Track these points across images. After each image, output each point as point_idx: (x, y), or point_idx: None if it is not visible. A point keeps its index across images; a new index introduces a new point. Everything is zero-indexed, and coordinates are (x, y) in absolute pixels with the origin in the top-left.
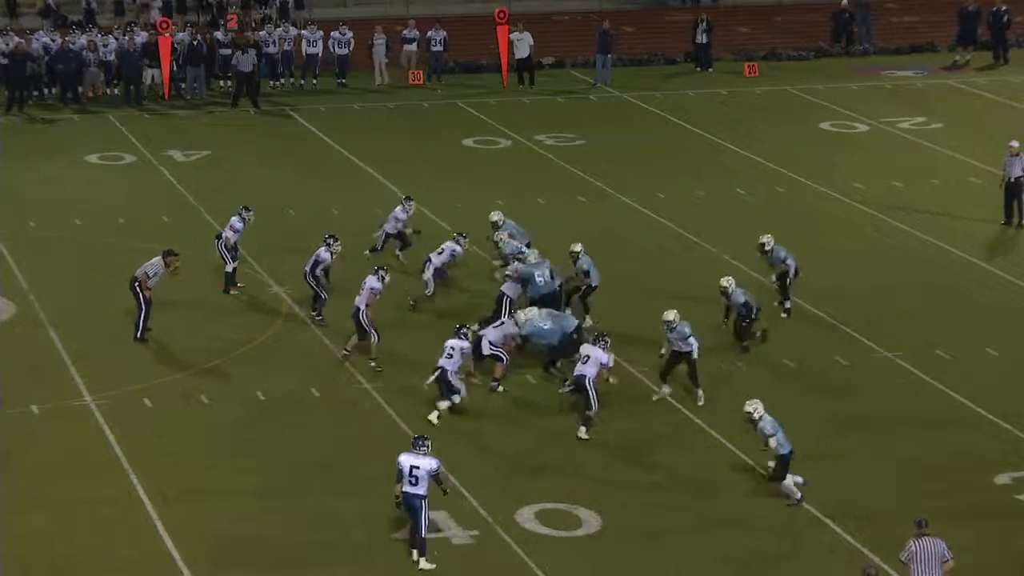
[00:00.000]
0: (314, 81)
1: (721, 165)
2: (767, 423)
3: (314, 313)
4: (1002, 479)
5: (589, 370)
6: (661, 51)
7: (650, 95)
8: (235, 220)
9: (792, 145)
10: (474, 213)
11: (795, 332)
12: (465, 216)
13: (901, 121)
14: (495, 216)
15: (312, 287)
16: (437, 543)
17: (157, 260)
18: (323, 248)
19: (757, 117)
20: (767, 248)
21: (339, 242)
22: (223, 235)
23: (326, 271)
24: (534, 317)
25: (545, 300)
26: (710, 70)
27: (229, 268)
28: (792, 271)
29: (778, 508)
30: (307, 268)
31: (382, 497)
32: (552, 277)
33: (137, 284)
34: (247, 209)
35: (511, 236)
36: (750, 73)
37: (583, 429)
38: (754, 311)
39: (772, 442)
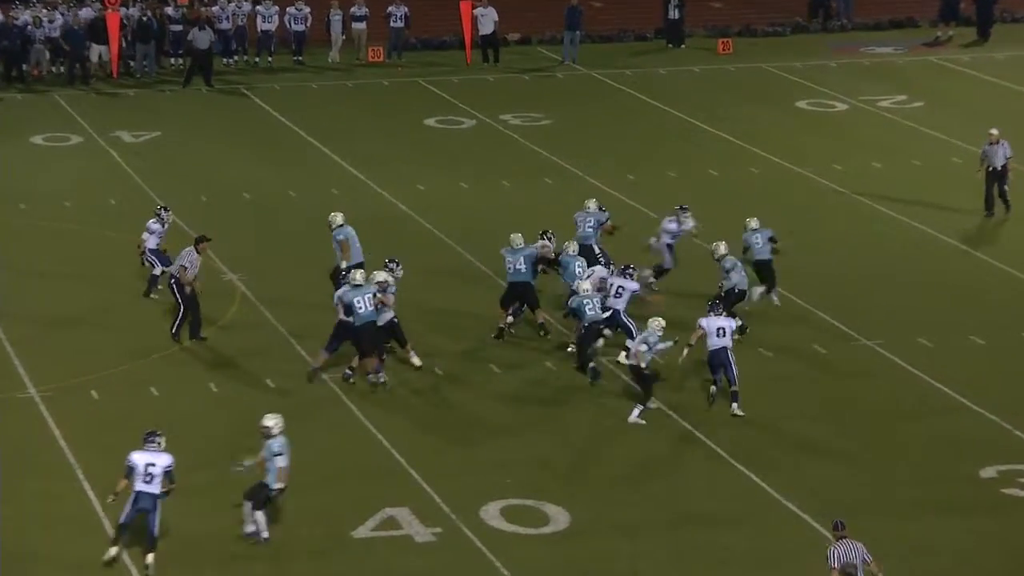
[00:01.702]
0: (269, 59)
1: (694, 146)
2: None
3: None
4: (988, 472)
5: (621, 304)
6: (631, 27)
7: (620, 73)
8: (152, 223)
9: (767, 125)
10: (436, 195)
11: (771, 320)
12: (427, 199)
13: (881, 99)
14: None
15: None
16: (398, 541)
17: (189, 250)
18: (385, 272)
19: (731, 96)
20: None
21: (400, 266)
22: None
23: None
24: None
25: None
26: (682, 47)
27: (157, 271)
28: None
29: (755, 502)
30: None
31: (339, 495)
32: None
33: (174, 282)
34: (165, 209)
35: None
36: (724, 50)
37: (623, 354)
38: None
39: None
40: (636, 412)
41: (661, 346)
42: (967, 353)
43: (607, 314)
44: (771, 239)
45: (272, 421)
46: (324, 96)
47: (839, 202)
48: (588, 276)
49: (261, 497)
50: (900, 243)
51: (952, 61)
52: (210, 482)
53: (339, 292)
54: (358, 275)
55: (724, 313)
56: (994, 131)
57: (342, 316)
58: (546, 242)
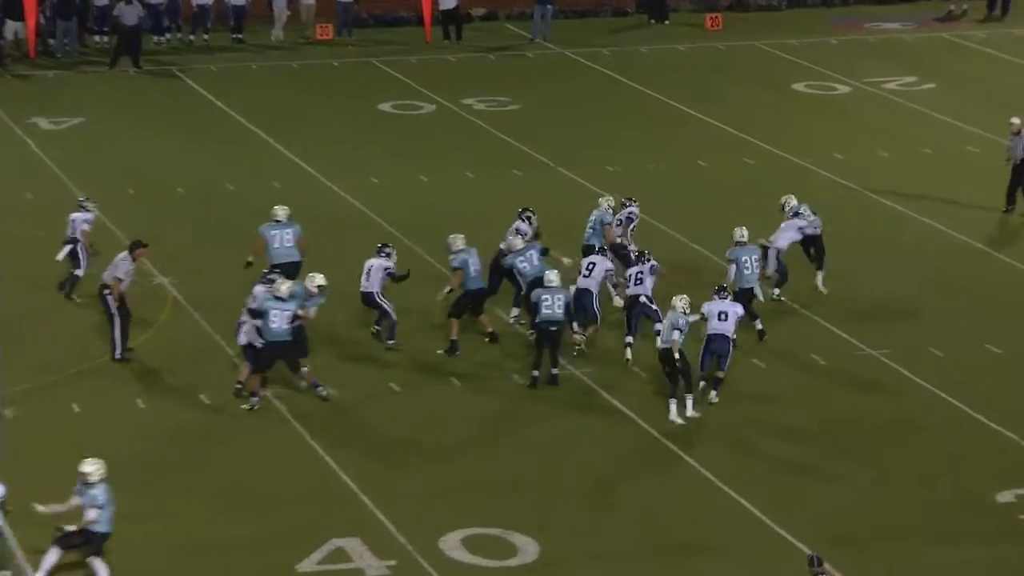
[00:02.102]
0: (205, 36)
1: (680, 133)
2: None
3: (378, 331)
4: (1005, 496)
5: (644, 289)
6: (609, 1)
7: (597, 52)
8: (84, 216)
9: (761, 110)
10: (392, 189)
11: (765, 327)
12: (381, 193)
13: (887, 81)
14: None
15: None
16: (348, 575)
17: (123, 257)
18: (381, 258)
19: (721, 77)
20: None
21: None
22: (76, 235)
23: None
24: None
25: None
26: (666, 23)
27: (80, 272)
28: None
29: (744, 529)
30: (374, 289)
31: (282, 523)
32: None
33: (107, 291)
34: (88, 199)
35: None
36: (713, 26)
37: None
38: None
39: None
40: (674, 409)
41: (690, 320)
42: (982, 364)
43: (561, 314)
44: (764, 250)
45: (91, 467)
46: (266, 78)
47: (841, 195)
48: (589, 269)
49: (94, 545)
50: (909, 241)
51: (966, 38)
52: (139, 511)
53: (257, 297)
54: (284, 287)
55: (730, 298)
56: (1015, 120)
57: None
58: (516, 233)
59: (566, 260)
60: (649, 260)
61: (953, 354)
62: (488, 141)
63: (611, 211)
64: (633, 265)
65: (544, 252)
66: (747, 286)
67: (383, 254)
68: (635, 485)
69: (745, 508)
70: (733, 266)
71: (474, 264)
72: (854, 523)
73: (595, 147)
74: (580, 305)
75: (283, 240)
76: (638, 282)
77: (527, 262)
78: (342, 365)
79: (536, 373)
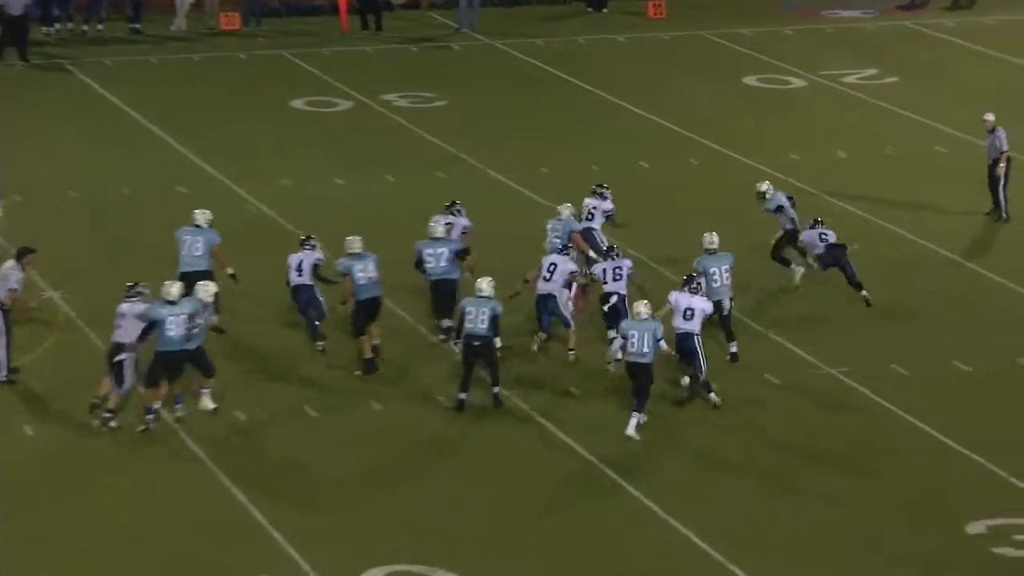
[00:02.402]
0: (99, 27)
1: (620, 132)
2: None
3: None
4: (975, 528)
5: (622, 287)
6: None
7: (529, 43)
8: None
9: (709, 106)
10: (305, 193)
11: (712, 344)
12: (293, 198)
13: (846, 74)
14: None
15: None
16: None
17: (11, 267)
18: (307, 250)
19: (665, 70)
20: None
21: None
22: None
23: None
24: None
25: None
26: (605, 10)
27: None
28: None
29: (694, 564)
30: (310, 281)
31: (184, 561)
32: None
33: (2, 307)
34: None
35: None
36: (656, 14)
37: (616, 353)
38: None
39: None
40: (634, 423)
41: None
42: (949, 382)
43: (485, 329)
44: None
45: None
46: (167, 72)
47: (796, 199)
48: (551, 271)
49: None
50: (870, 250)
51: (933, 27)
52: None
53: (151, 307)
54: (174, 289)
55: (700, 292)
56: (989, 116)
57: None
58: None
59: (466, 274)
60: (619, 254)
61: (918, 372)
62: (410, 141)
63: (576, 218)
64: (603, 259)
65: (460, 254)
66: (715, 299)
67: (308, 246)
68: (571, 516)
69: (691, 542)
70: (701, 278)
71: (365, 271)
72: (812, 558)
73: (528, 147)
74: (547, 311)
75: (192, 247)
76: (617, 278)
77: (434, 259)
78: (252, 384)
79: (463, 396)
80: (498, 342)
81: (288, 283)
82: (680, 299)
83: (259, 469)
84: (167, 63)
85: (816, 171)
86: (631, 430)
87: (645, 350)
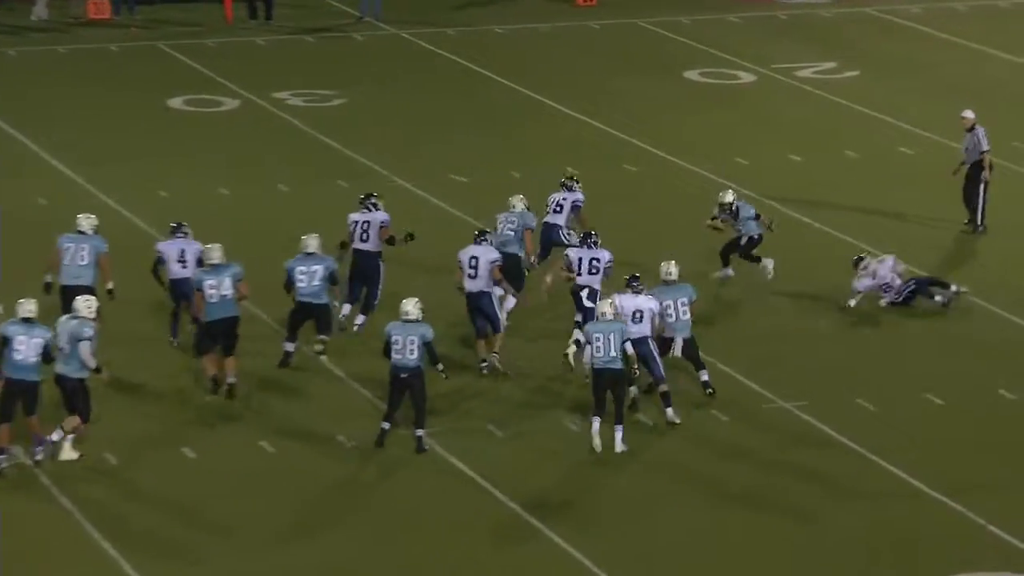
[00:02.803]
0: None
1: (545, 134)
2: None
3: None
4: None
5: (597, 281)
6: None
7: (440, 33)
8: None
9: (646, 104)
10: (185, 204)
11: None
12: (171, 209)
13: (801, 67)
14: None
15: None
16: None
17: None
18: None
19: (595, 64)
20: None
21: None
22: None
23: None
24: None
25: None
26: None
27: None
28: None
29: None
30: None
31: None
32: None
33: None
34: None
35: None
36: (584, 0)
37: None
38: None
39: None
40: (619, 437)
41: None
42: (921, 418)
43: (415, 359)
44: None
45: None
46: (26, 66)
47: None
48: (474, 266)
49: None
50: (830, 268)
51: (898, 14)
52: None
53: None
54: (30, 306)
55: (645, 290)
56: (968, 114)
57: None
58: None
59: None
60: (597, 243)
61: (886, 406)
62: (306, 145)
63: (532, 212)
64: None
65: (332, 276)
66: (668, 336)
67: (182, 233)
68: (486, 567)
69: None
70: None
71: (217, 286)
72: None
73: (440, 152)
74: (479, 311)
75: (76, 256)
76: (593, 271)
77: (307, 277)
78: (122, 422)
79: (386, 425)
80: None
81: (156, 274)
82: (624, 301)
83: (132, 520)
84: (26, 56)
85: (767, 177)
86: (619, 446)
87: (613, 354)
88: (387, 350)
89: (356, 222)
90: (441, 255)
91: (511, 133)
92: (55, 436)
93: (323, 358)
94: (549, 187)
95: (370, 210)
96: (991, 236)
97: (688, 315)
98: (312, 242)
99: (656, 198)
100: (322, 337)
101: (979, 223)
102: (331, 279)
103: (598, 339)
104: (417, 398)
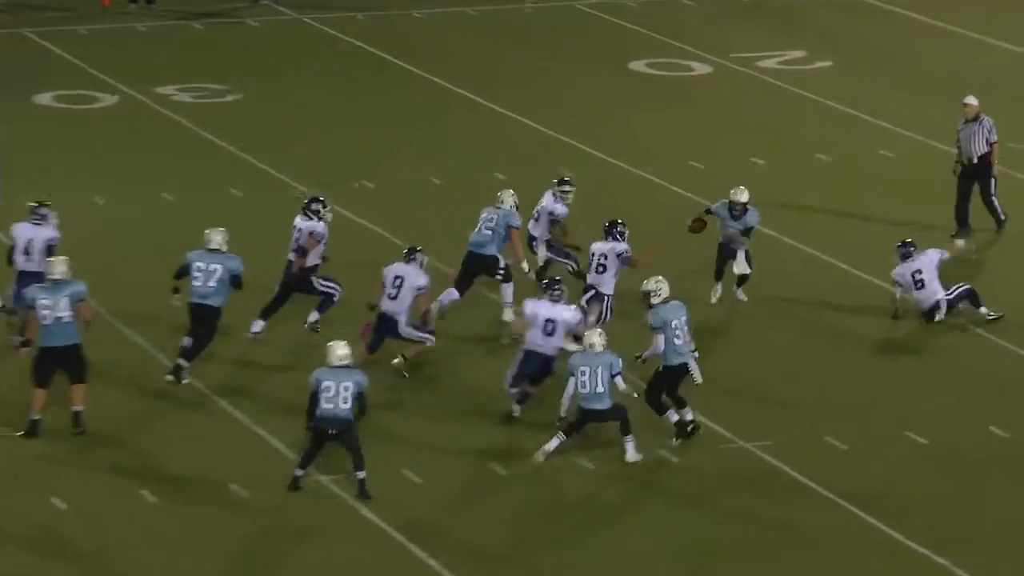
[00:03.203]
0: None
1: (469, 133)
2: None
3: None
4: None
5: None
6: None
7: (348, 18)
8: None
9: (586, 99)
10: (56, 214)
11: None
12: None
13: (764, 57)
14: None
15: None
16: None
17: None
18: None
19: (529, 54)
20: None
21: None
22: None
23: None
24: None
25: None
26: None
27: None
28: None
29: None
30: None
31: None
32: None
33: None
34: None
35: None
36: None
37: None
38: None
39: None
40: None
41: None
42: (901, 458)
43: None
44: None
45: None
46: None
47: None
48: (397, 287)
49: None
50: (801, 287)
51: None
52: None
53: None
54: None
55: (564, 299)
56: (972, 100)
57: None
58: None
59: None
60: (620, 229)
61: (859, 446)
62: (195, 147)
63: (517, 210)
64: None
65: (236, 280)
66: (678, 362)
67: (38, 217)
68: None
69: None
70: (660, 336)
71: (53, 307)
72: None
73: (348, 155)
74: (387, 333)
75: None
76: (600, 270)
77: (203, 275)
78: None
79: (300, 472)
80: None
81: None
82: (538, 309)
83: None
84: None
85: (725, 182)
86: (631, 455)
87: (600, 389)
88: (313, 400)
89: (294, 227)
90: (358, 266)
91: (430, 133)
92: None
93: (185, 380)
94: (472, 194)
95: (309, 218)
96: (985, 250)
97: (688, 336)
98: (216, 237)
99: (596, 206)
100: (181, 362)
101: (1000, 221)
102: (234, 283)
103: (583, 373)
104: (352, 446)
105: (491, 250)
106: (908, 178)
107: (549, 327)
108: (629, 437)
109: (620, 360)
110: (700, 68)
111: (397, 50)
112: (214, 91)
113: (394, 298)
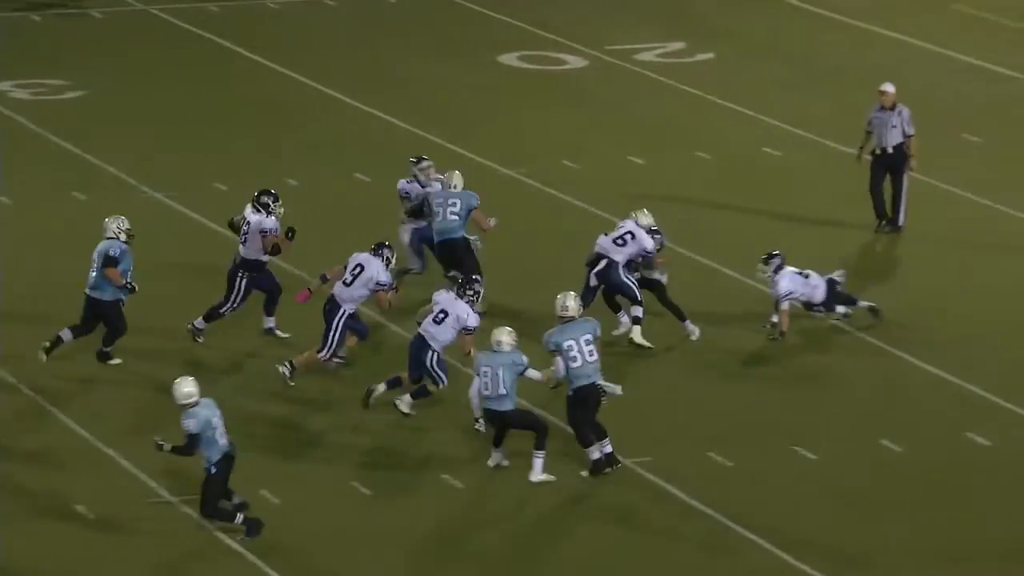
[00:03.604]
0: None
1: (329, 133)
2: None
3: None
4: None
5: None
6: None
7: (201, 9)
8: None
9: (452, 93)
10: None
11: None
12: None
13: (642, 49)
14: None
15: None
16: None
17: None
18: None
19: (392, 46)
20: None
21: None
22: None
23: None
24: None
25: None
26: None
27: None
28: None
29: None
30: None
31: None
32: None
33: None
34: None
35: None
36: None
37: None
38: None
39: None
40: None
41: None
42: (790, 475)
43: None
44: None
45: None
46: None
47: (577, 224)
48: (354, 272)
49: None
50: (682, 294)
51: None
52: None
53: None
54: None
55: (468, 295)
56: (888, 87)
57: None
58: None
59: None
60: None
61: (747, 463)
62: (33, 148)
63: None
64: None
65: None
66: (580, 384)
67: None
68: None
69: None
70: (558, 359)
71: None
72: None
73: (199, 156)
74: (328, 319)
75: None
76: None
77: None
78: None
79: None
80: None
81: None
82: (443, 300)
83: None
84: None
85: (601, 183)
86: (537, 475)
87: (502, 391)
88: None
89: (244, 219)
90: (209, 271)
91: (287, 132)
92: None
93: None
94: (331, 196)
95: (258, 211)
96: (880, 255)
97: (596, 357)
98: (112, 224)
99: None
100: (108, 350)
101: (899, 222)
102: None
103: (486, 373)
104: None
105: (460, 233)
106: (794, 177)
107: (440, 316)
108: (540, 453)
109: (525, 358)
110: (574, 61)
111: (251, 43)
112: (54, 87)
113: (348, 284)
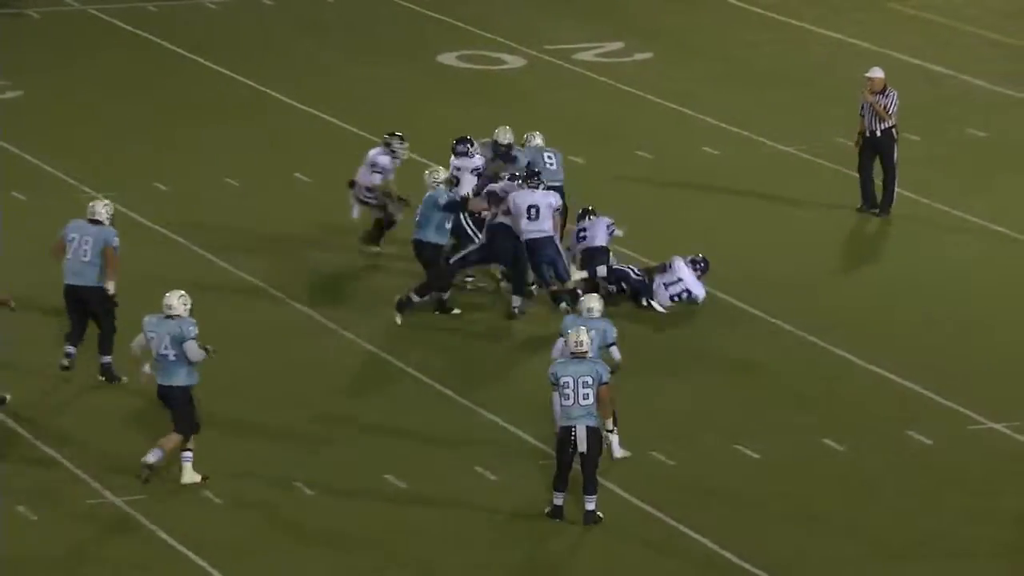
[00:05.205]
0: None
1: (268, 132)
2: None
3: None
4: None
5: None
6: None
7: (139, 9)
8: None
9: (391, 95)
10: None
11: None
12: None
13: (581, 48)
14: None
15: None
16: None
17: None
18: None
19: (326, 44)
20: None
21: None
22: None
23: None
24: None
25: None
26: None
27: None
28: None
29: None
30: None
31: None
32: None
33: None
34: None
35: None
36: None
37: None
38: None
39: None
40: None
41: None
42: (729, 473)
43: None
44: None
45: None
46: None
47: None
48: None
49: None
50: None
51: None
52: None
53: None
54: None
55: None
56: (878, 72)
57: None
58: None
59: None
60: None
61: (687, 460)
62: None
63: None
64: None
65: None
66: (562, 425)
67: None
68: None
69: None
70: (555, 393)
71: None
72: None
73: (139, 154)
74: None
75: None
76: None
77: (75, 244)
78: None
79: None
80: None
81: None
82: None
83: None
84: None
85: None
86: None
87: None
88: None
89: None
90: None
91: (226, 132)
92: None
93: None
94: (270, 195)
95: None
96: (822, 254)
97: (591, 400)
98: (100, 208)
99: (408, 213)
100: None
101: (889, 208)
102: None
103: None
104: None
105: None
106: (733, 176)
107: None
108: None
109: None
110: (513, 61)
111: (192, 43)
112: None
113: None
